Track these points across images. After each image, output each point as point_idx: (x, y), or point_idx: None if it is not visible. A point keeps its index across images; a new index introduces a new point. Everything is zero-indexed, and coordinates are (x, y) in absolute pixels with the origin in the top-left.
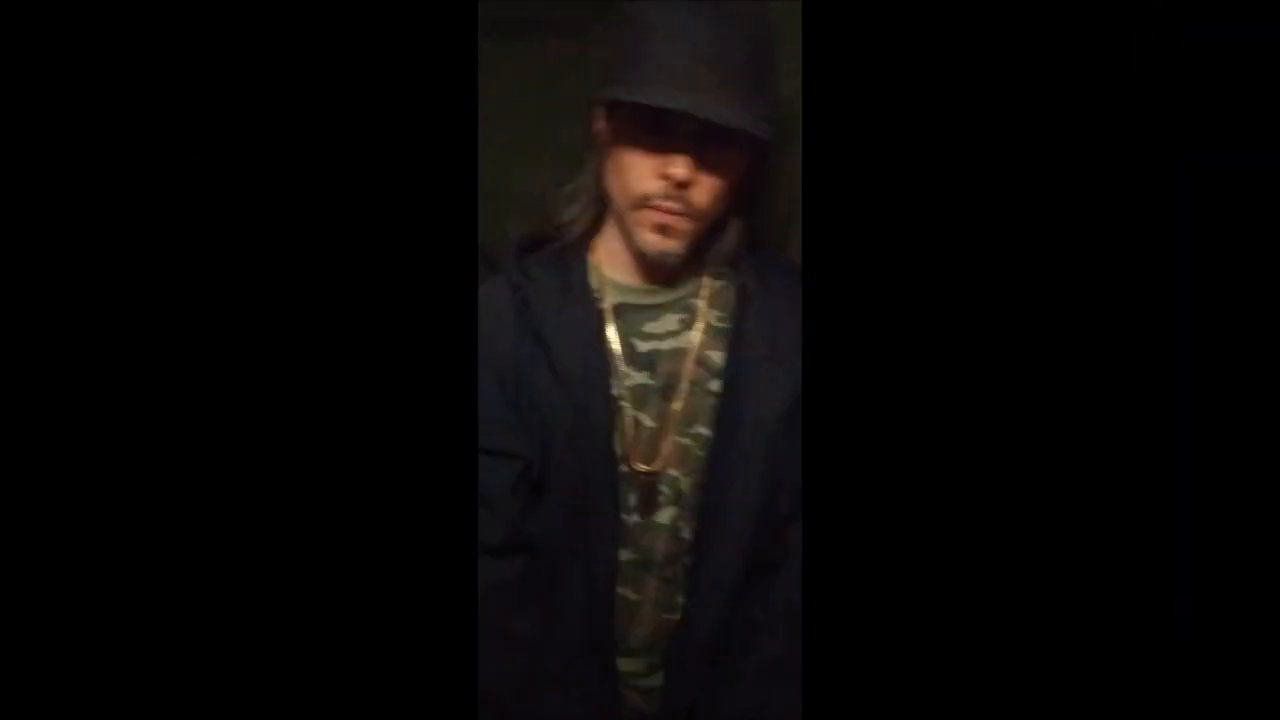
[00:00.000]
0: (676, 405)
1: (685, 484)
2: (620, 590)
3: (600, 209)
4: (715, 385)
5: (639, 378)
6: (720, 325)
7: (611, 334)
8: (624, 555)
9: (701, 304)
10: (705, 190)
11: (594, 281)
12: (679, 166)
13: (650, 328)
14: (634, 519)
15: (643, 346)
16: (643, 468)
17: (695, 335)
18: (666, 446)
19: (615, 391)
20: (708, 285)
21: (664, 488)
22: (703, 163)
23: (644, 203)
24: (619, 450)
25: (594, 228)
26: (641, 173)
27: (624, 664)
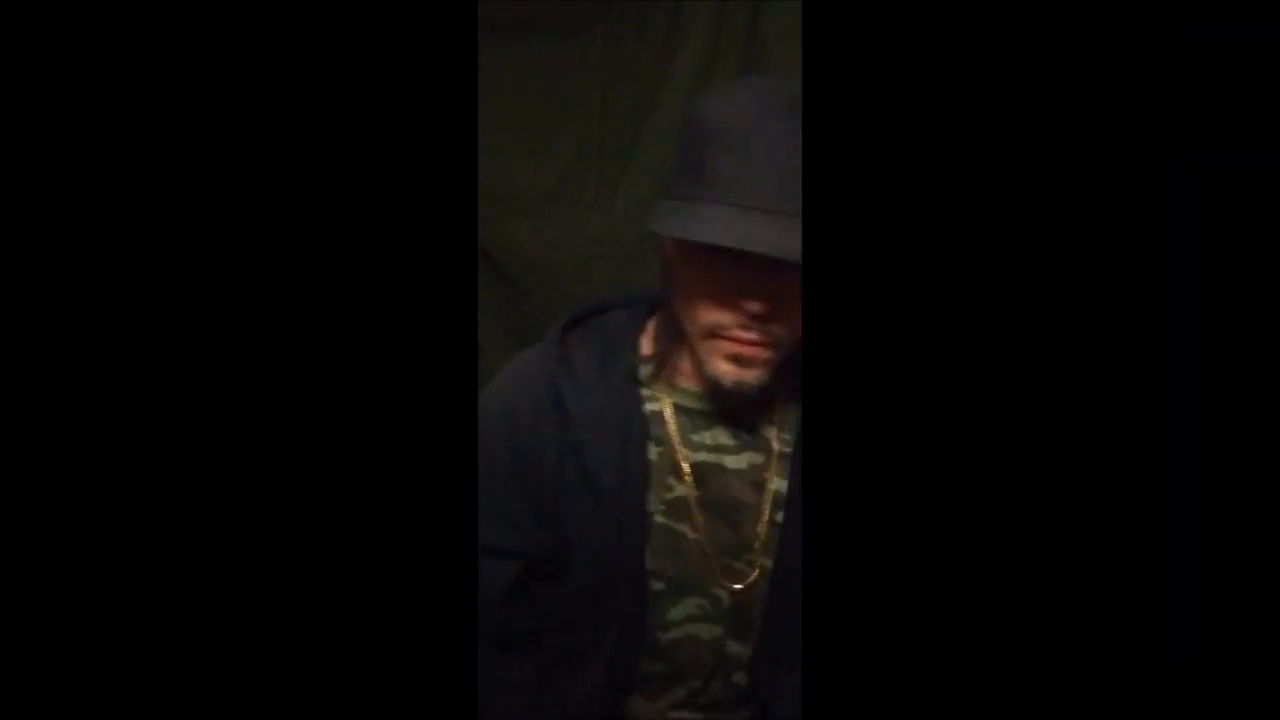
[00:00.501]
0: (728, 531)
1: (728, 601)
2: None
3: (680, 338)
4: (779, 517)
5: (680, 490)
6: (787, 450)
7: (653, 445)
8: (651, 667)
9: (762, 420)
10: (786, 320)
11: (647, 390)
12: (754, 301)
13: (698, 438)
14: (675, 633)
15: (691, 457)
16: (723, 588)
17: (754, 457)
18: (734, 574)
19: (651, 506)
20: (778, 402)
21: (701, 604)
22: (781, 290)
23: (717, 333)
24: (649, 565)
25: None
26: (712, 302)
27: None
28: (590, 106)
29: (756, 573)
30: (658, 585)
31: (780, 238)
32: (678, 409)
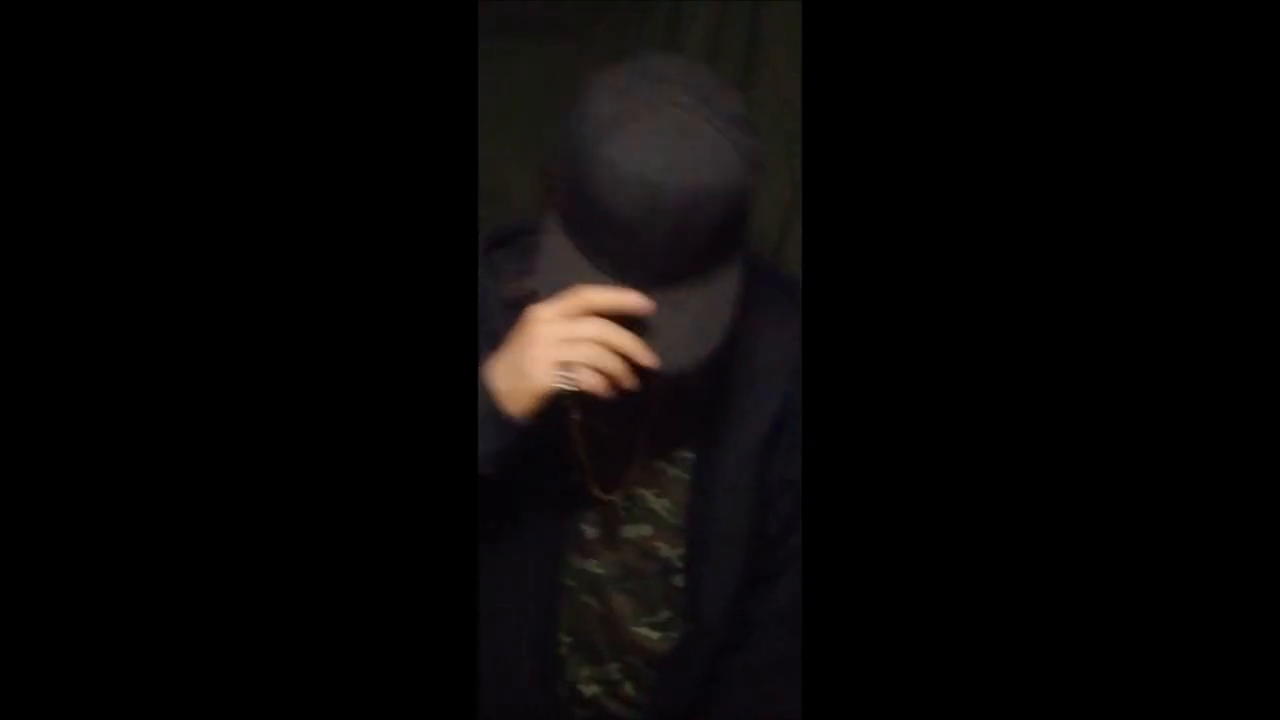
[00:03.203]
0: (628, 598)
1: (657, 504)
2: (586, 599)
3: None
4: (675, 579)
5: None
6: (674, 521)
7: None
8: (587, 566)
9: (648, 493)
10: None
11: None
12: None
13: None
14: (594, 532)
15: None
16: (602, 496)
17: (638, 529)
18: (634, 469)
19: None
20: (662, 476)
21: (630, 506)
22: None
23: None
24: (575, 466)
25: None
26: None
27: (590, 670)
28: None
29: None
30: (567, 640)
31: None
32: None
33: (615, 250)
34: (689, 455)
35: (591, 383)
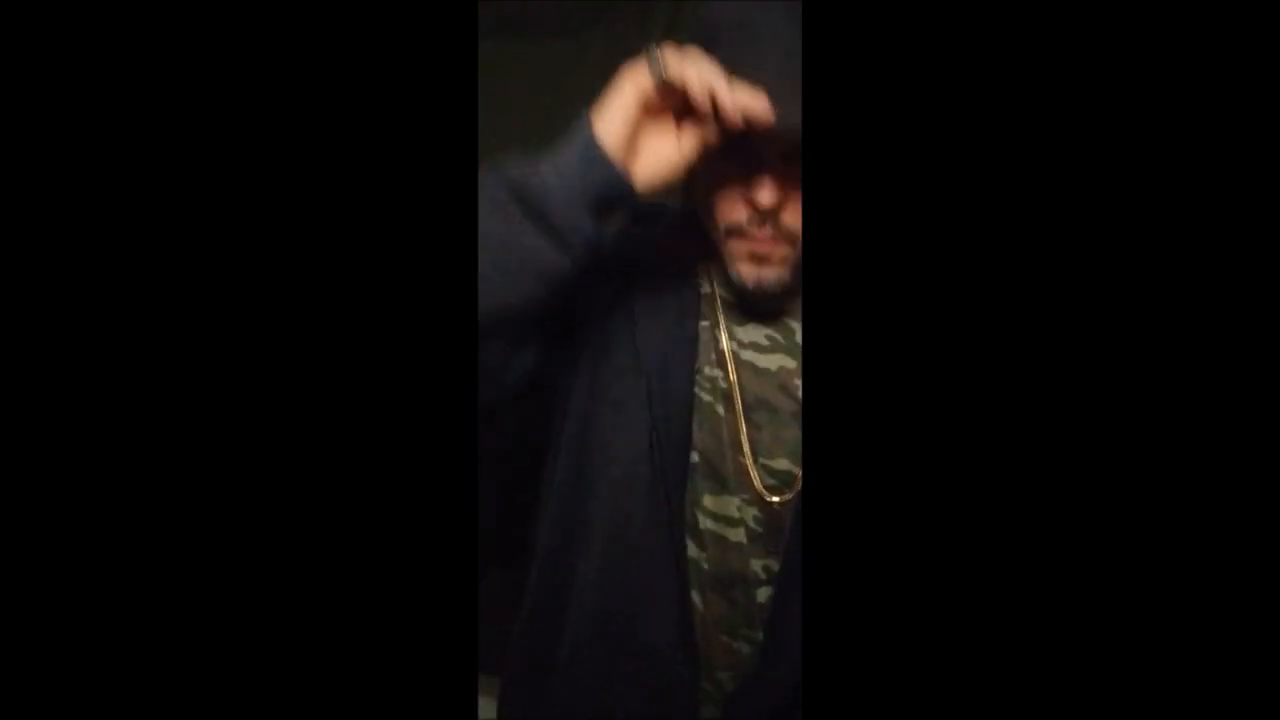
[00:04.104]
0: (752, 430)
1: (749, 514)
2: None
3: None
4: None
5: (717, 375)
6: None
7: (702, 321)
8: (694, 554)
9: (799, 326)
10: (798, 212)
11: (702, 272)
12: (765, 193)
13: (738, 332)
14: (707, 522)
15: (725, 345)
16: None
17: (782, 359)
18: (739, 464)
19: (694, 380)
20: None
21: (736, 507)
22: (790, 182)
23: (736, 232)
24: (690, 442)
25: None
26: (728, 201)
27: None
28: (590, 106)
29: (793, 489)
30: (697, 458)
31: (792, 114)
32: (724, 300)
33: None
34: (793, 470)
35: (692, 80)
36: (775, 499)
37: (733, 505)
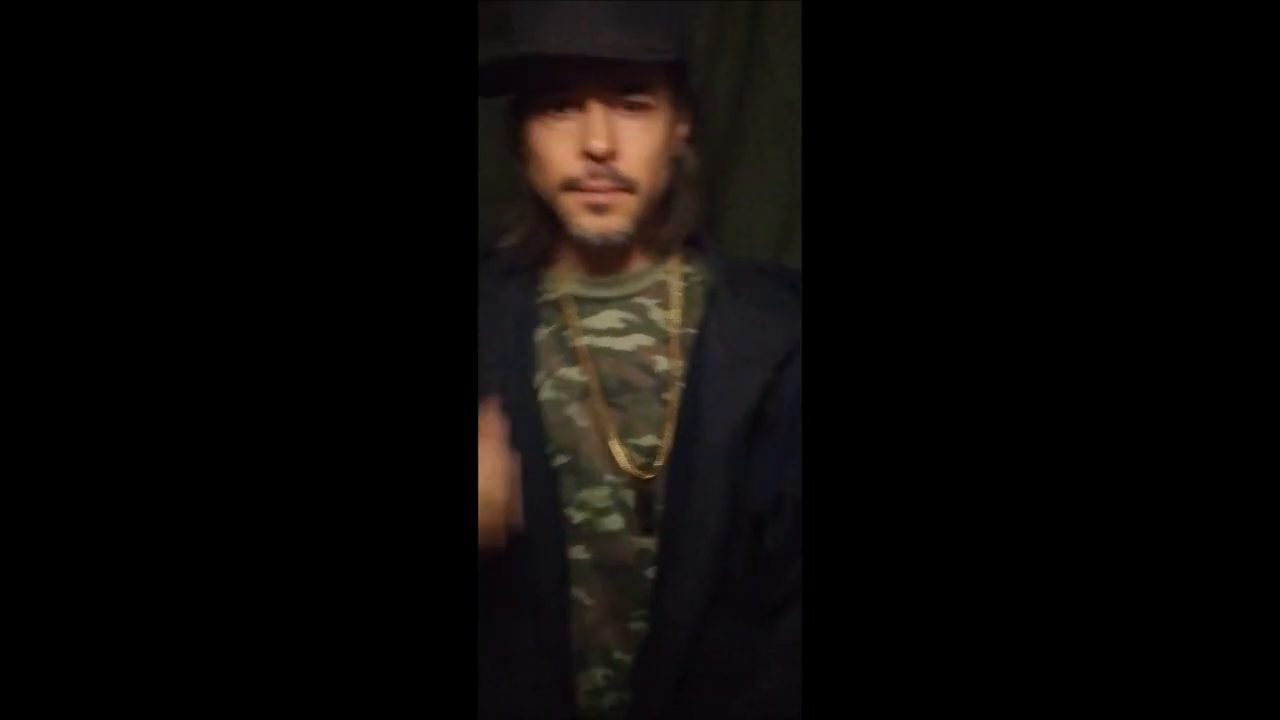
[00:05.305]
0: (614, 412)
1: (628, 495)
2: (575, 592)
3: (546, 216)
4: (667, 394)
5: (571, 373)
6: (671, 330)
7: (543, 327)
8: (575, 554)
9: (653, 305)
10: (634, 159)
11: (546, 282)
12: (596, 137)
13: (590, 322)
14: (581, 516)
15: (578, 341)
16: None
17: (639, 338)
18: (604, 451)
19: (539, 386)
20: (670, 286)
21: (607, 495)
22: (622, 129)
23: (572, 186)
24: (549, 447)
25: (551, 243)
26: (560, 155)
27: (581, 680)
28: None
29: (659, 460)
30: (563, 459)
31: (596, 45)
32: (572, 297)
33: None
34: (656, 442)
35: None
36: (648, 476)
37: (604, 495)
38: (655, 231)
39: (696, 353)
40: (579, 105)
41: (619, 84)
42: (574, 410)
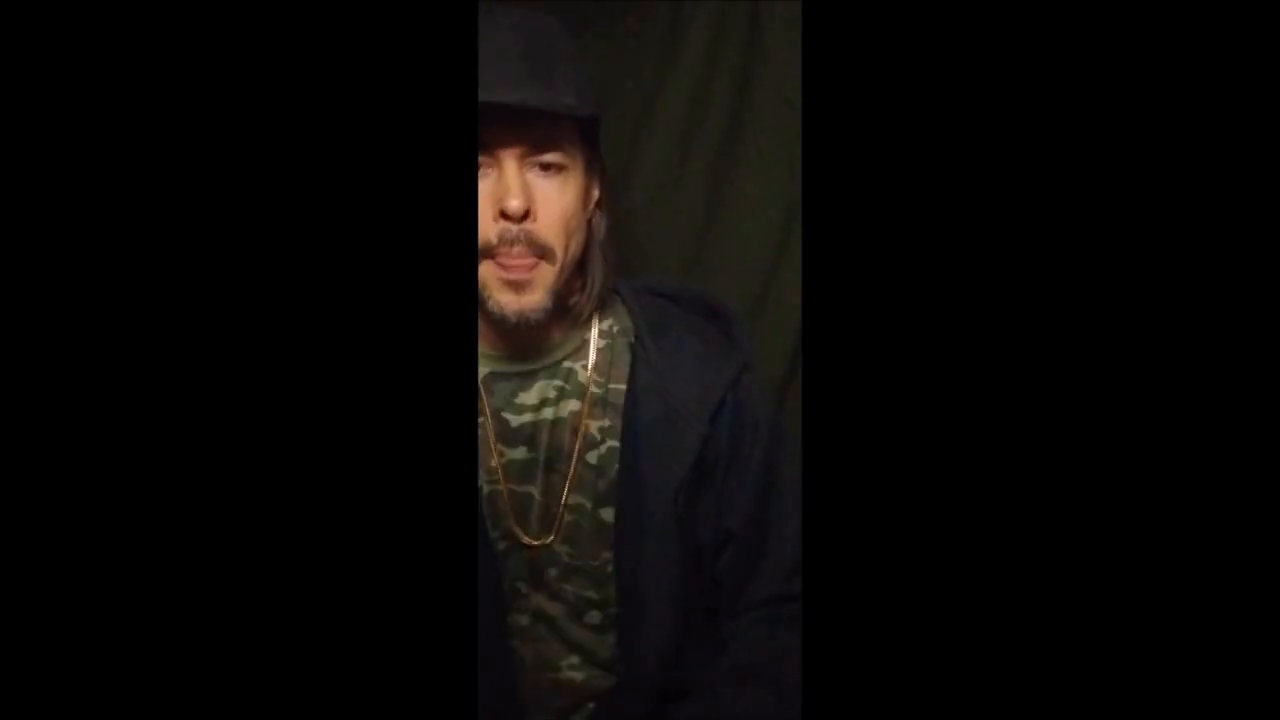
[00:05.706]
0: (557, 479)
1: (576, 559)
2: (521, 650)
3: None
4: (592, 458)
5: (515, 454)
6: (600, 392)
7: (483, 418)
8: (521, 621)
9: (578, 368)
10: (549, 221)
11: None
12: (512, 196)
13: (522, 399)
14: (525, 588)
15: (515, 420)
16: (531, 541)
17: (573, 404)
18: (555, 521)
19: (486, 471)
20: (590, 346)
21: (551, 566)
22: (537, 189)
23: (489, 254)
24: (495, 530)
25: None
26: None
27: None
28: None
29: (552, 532)
30: (503, 544)
31: (515, 92)
32: (495, 375)
33: None
34: (587, 505)
35: None
36: (536, 543)
37: (547, 570)
38: (570, 302)
39: (629, 411)
40: (493, 163)
41: (532, 141)
42: (504, 490)
